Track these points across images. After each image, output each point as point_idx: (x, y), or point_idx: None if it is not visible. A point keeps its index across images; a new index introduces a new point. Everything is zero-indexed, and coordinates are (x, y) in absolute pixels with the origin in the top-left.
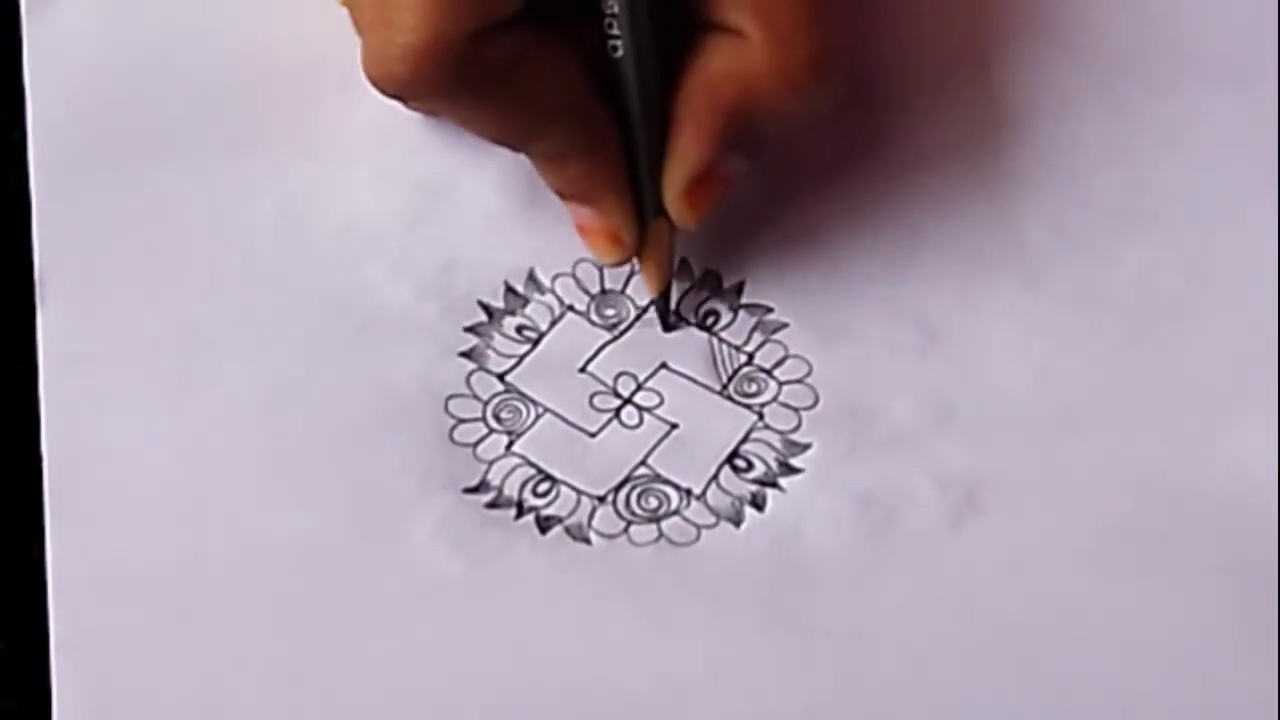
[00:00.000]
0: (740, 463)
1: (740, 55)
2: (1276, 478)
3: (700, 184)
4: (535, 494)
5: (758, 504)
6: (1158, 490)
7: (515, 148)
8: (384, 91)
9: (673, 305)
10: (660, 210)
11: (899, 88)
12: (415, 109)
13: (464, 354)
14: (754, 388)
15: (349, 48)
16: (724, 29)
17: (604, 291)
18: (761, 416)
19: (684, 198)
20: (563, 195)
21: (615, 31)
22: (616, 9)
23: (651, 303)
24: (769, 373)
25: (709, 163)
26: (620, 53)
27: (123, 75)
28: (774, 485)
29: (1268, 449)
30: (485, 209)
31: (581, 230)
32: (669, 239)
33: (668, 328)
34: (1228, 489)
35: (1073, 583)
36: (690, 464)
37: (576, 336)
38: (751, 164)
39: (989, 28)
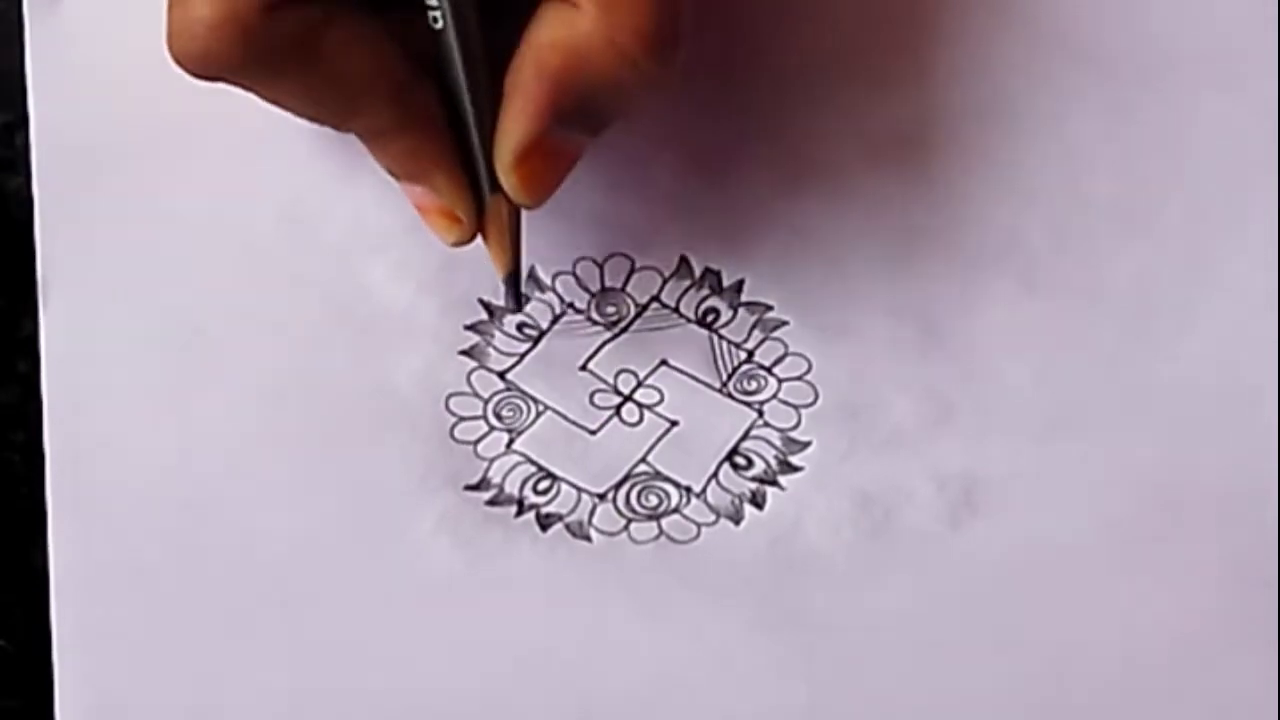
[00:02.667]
0: (740, 460)
1: (569, 24)
2: (1276, 478)
3: (532, 156)
4: (536, 491)
5: (757, 502)
6: (1157, 490)
7: (336, 126)
8: (186, 69)
9: (523, 284)
10: (497, 186)
11: (898, 87)
12: (236, 86)
13: (464, 352)
14: (754, 385)
15: None
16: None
17: (604, 289)
18: (761, 414)
19: (515, 170)
20: (394, 175)
21: (433, 2)
22: None
23: (648, 301)
24: (769, 370)
25: (537, 134)
26: (440, 24)
27: (125, 78)
28: (774, 483)
29: (1268, 449)
30: None
31: (419, 210)
32: (509, 216)
33: (518, 307)
34: (1228, 489)
35: (1071, 582)
36: (690, 461)
37: (577, 334)
38: (591, 139)
39: (989, 28)
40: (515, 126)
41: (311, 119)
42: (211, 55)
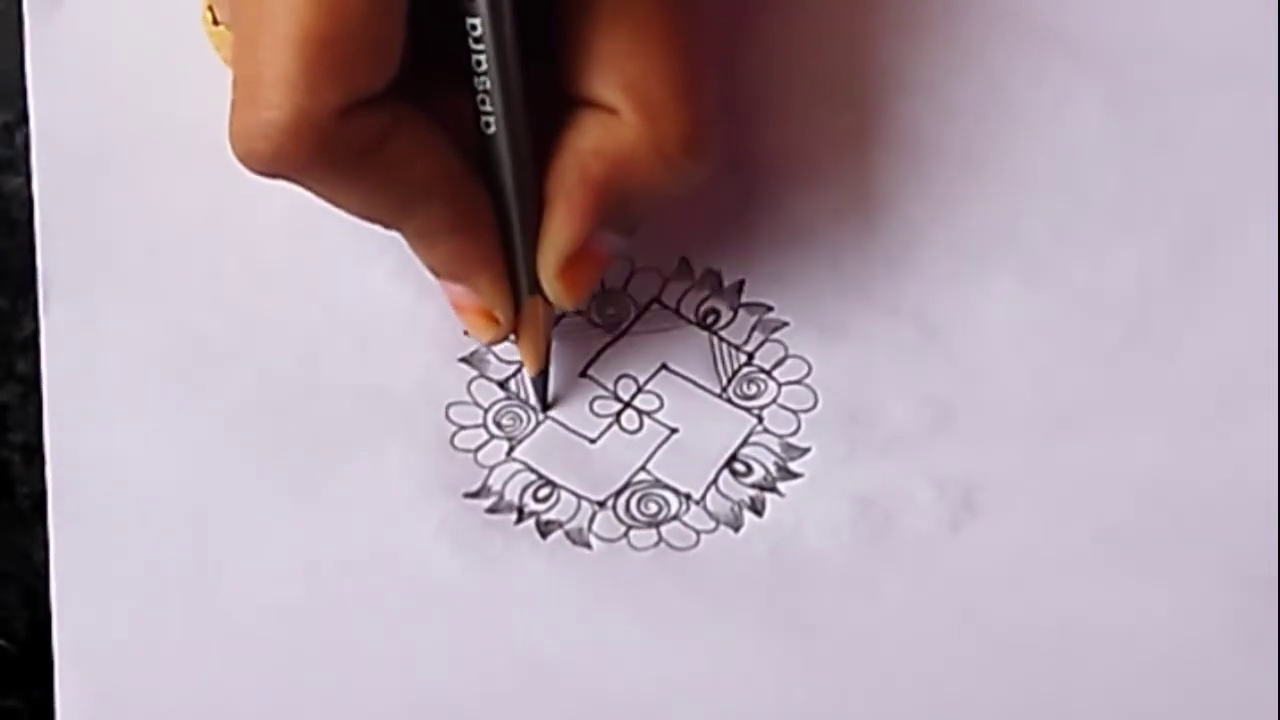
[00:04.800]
0: (739, 467)
1: (612, 132)
2: (1277, 478)
3: (575, 263)
4: (535, 499)
5: (757, 509)
6: (1157, 491)
7: (386, 226)
8: (249, 168)
9: (550, 386)
10: (535, 287)
11: (898, 87)
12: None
13: (464, 359)
14: (753, 389)
15: None
16: (595, 105)
17: (604, 290)
18: (761, 419)
19: (560, 277)
20: (436, 274)
21: (488, 108)
22: (489, 85)
23: (649, 302)
24: (768, 373)
25: (582, 240)
26: (493, 129)
27: (126, 79)
28: (773, 490)
29: (1268, 449)
30: None
31: (456, 308)
32: (545, 316)
33: (545, 408)
34: (1228, 489)
35: (1071, 584)
36: (689, 469)
37: (577, 339)
38: (627, 239)
39: (988, 27)
40: (561, 233)
41: (363, 218)
42: (282, 158)
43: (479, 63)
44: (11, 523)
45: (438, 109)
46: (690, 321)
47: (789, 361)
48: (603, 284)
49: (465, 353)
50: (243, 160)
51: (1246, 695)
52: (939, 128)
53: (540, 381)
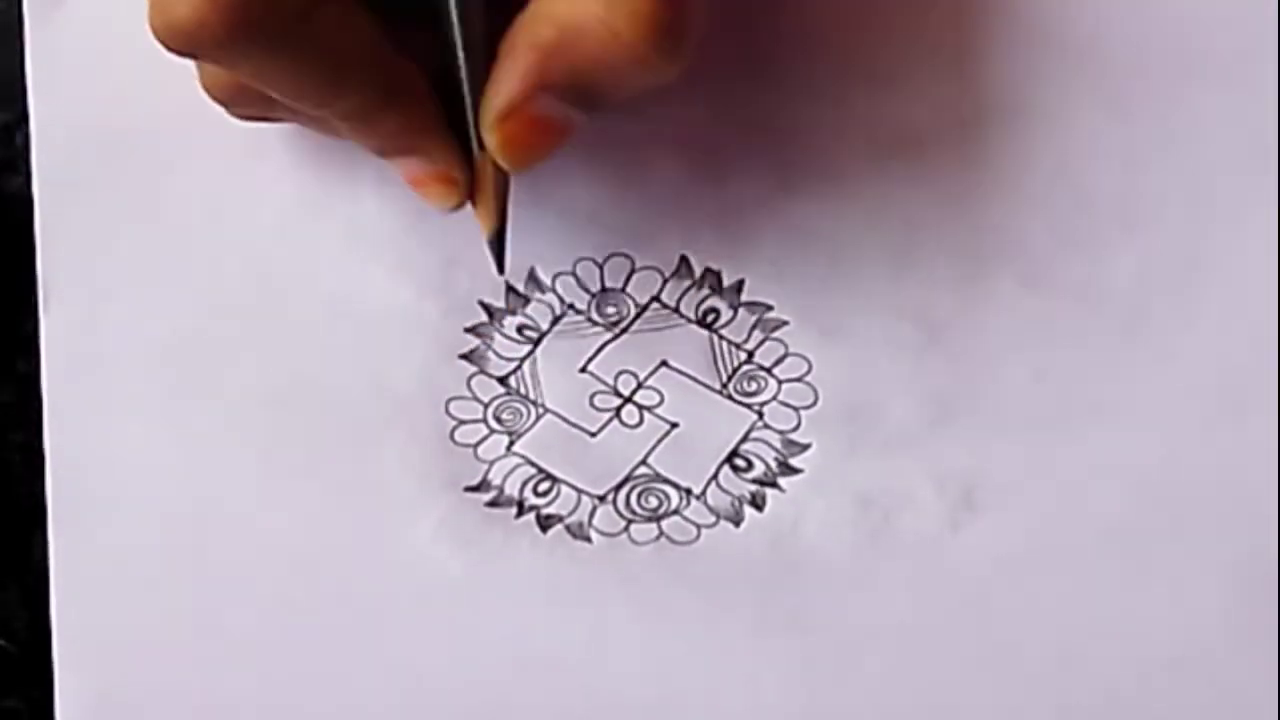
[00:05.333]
0: (740, 462)
1: (570, 2)
2: (1276, 476)
3: (515, 118)
4: (536, 493)
5: (757, 504)
6: (1156, 490)
7: (317, 108)
8: (169, 46)
9: (508, 249)
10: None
11: (899, 88)
12: (212, 69)
13: (464, 355)
14: (754, 386)
15: None
16: None
17: (604, 289)
18: (761, 416)
19: (497, 129)
20: (384, 153)
21: None
22: None
23: (648, 301)
24: (769, 371)
25: (520, 96)
26: None
27: (125, 78)
28: (773, 485)
29: (1267, 447)
30: None
31: (414, 184)
32: (496, 175)
33: (501, 270)
34: (1227, 488)
35: (1070, 582)
36: (690, 464)
37: (577, 335)
38: (588, 116)
39: (990, 27)
40: (501, 87)
41: (294, 101)
42: (205, 29)
43: None
44: (11, 523)
45: None
46: (690, 320)
47: (789, 359)
48: (603, 283)
49: (465, 349)
50: (161, 32)
51: (1246, 694)
52: (939, 127)
53: (497, 243)
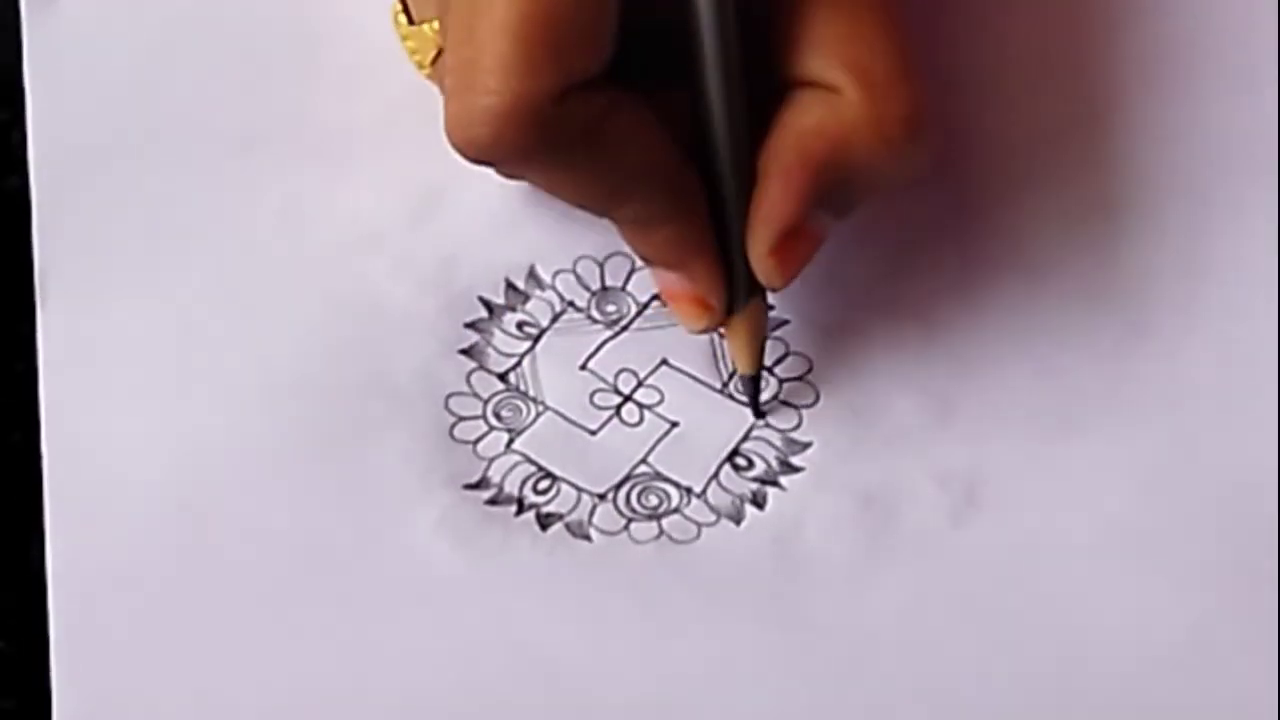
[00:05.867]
0: (741, 461)
1: (833, 110)
2: (1277, 478)
3: (788, 241)
4: (536, 491)
5: (758, 502)
6: (1158, 488)
7: (599, 213)
8: (467, 156)
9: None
10: (756, 287)
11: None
12: (502, 174)
13: (464, 351)
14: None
15: (350, 47)
16: (815, 84)
17: (605, 288)
18: (762, 415)
19: (772, 254)
20: (649, 261)
21: (709, 92)
22: (710, 68)
23: (649, 299)
24: (770, 370)
25: (797, 218)
26: (713, 113)
27: (123, 75)
28: (774, 484)
29: (1268, 445)
30: (486, 205)
31: (668, 297)
32: (763, 314)
33: (758, 413)
34: (1228, 488)
35: (1072, 580)
36: (690, 462)
37: (577, 333)
38: (838, 221)
39: (991, 28)
40: (776, 210)
41: (577, 204)
42: (501, 144)
43: (699, 45)
44: (8, 522)
45: (651, 95)
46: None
47: (790, 358)
48: (603, 281)
49: (465, 344)
50: (461, 147)
51: (1247, 694)
52: (939, 126)
53: (752, 385)
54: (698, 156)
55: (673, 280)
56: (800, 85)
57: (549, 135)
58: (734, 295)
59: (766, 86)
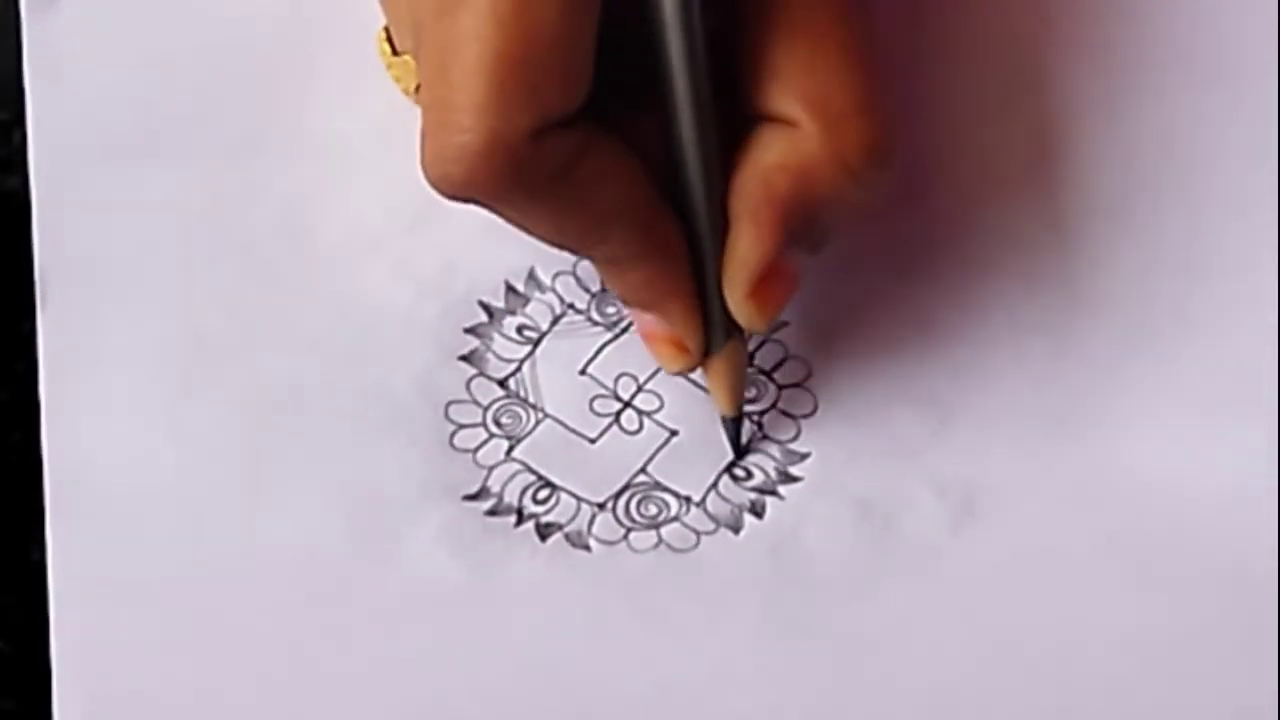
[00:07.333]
0: (739, 472)
1: (794, 145)
2: (1277, 479)
3: (765, 283)
4: (535, 501)
5: (757, 511)
6: (1157, 494)
7: (577, 252)
8: (442, 192)
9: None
10: (734, 327)
11: (900, 90)
12: (485, 208)
13: (464, 358)
14: (753, 393)
15: (350, 48)
16: (776, 120)
17: (604, 290)
18: (760, 426)
19: (751, 298)
20: (626, 302)
21: (681, 131)
22: (681, 107)
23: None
24: (769, 375)
25: (770, 260)
26: (686, 152)
27: (123, 76)
28: (773, 493)
29: (1267, 450)
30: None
31: (645, 337)
32: (743, 355)
33: (739, 454)
34: (1227, 492)
35: (1071, 587)
36: (690, 471)
37: (577, 335)
38: (812, 256)
39: (991, 28)
40: (750, 252)
41: (552, 244)
42: (476, 182)
43: (670, 83)
44: (8, 523)
45: (627, 134)
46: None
47: (789, 363)
48: (602, 284)
49: (464, 350)
50: (436, 185)
51: (1245, 700)
52: (939, 127)
53: (733, 427)
54: (671, 193)
55: (649, 321)
56: (763, 120)
57: (524, 174)
58: (712, 336)
59: (737, 121)
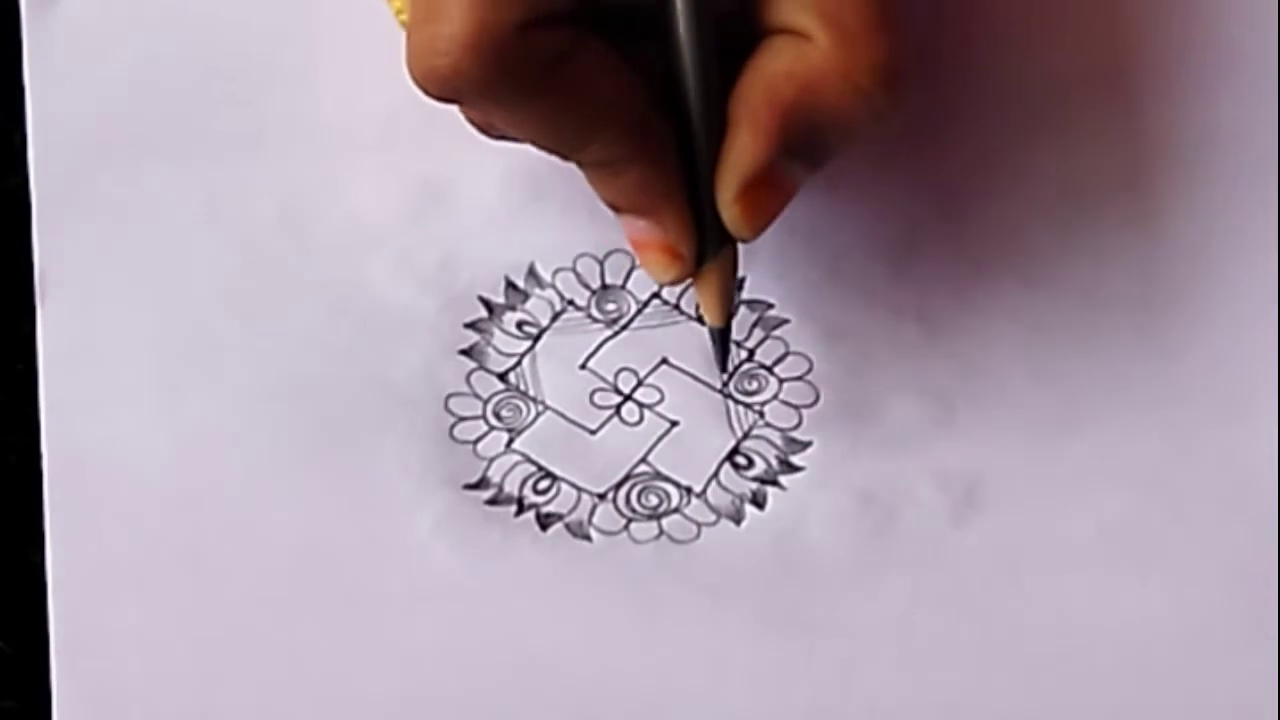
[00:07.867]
0: (741, 460)
1: (803, 56)
2: (1277, 478)
3: (756, 188)
4: (536, 491)
5: (758, 502)
6: (1157, 488)
7: (565, 154)
8: (427, 91)
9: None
10: (724, 230)
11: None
12: (465, 114)
13: (464, 351)
14: (754, 385)
15: (350, 46)
16: (786, 31)
17: (604, 286)
18: (762, 415)
19: (739, 200)
20: (616, 208)
21: (678, 35)
22: (678, 11)
23: (649, 298)
24: (770, 369)
25: (765, 164)
26: (680, 57)
27: (123, 75)
28: (774, 483)
29: (1268, 446)
30: (486, 204)
31: (636, 245)
32: (733, 265)
33: (724, 368)
34: (1228, 486)
35: (1072, 580)
36: (690, 462)
37: (577, 332)
38: (811, 174)
39: (990, 28)
40: (743, 155)
41: (542, 146)
42: (461, 74)
43: None
44: (8, 523)
45: (622, 49)
46: (691, 317)
47: (790, 358)
48: (603, 280)
49: (464, 345)
50: (421, 80)
51: (1246, 693)
52: (940, 127)
53: (722, 338)
54: (668, 105)
55: (641, 228)
56: (773, 32)
57: (510, 67)
58: (704, 247)
59: (742, 34)
